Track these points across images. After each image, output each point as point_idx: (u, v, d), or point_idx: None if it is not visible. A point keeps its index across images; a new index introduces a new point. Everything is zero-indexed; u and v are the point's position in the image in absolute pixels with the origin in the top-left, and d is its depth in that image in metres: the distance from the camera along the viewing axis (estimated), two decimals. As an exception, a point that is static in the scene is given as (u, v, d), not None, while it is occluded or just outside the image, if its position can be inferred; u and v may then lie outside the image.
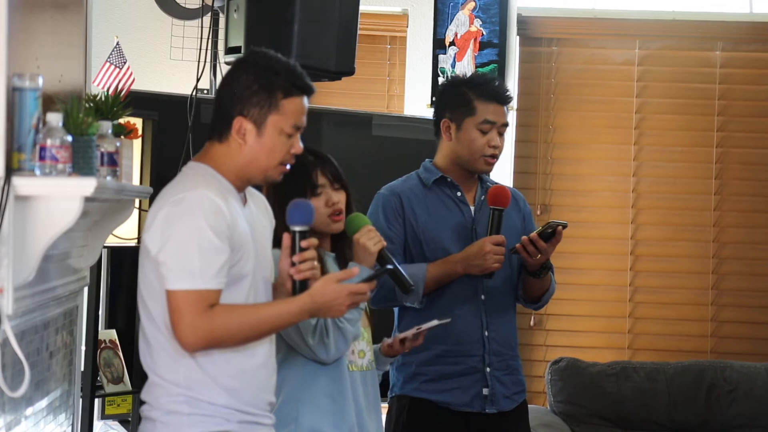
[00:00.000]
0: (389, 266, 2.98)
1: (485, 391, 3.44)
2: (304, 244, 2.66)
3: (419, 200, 3.50)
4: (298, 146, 2.65)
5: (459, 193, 3.52)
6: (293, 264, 2.66)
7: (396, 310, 3.57)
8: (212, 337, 2.51)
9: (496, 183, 3.57)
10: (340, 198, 3.03)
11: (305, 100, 2.65)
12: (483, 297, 3.47)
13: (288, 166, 2.67)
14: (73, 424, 3.41)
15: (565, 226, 3.40)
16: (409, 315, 3.49)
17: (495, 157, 3.49)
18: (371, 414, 3.09)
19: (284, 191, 2.91)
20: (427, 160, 3.59)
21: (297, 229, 2.67)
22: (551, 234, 3.38)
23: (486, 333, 3.46)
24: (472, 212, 3.52)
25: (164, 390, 2.56)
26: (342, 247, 3.08)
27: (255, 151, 2.60)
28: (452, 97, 3.52)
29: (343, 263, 3.05)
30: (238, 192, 2.65)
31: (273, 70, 2.62)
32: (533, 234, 3.38)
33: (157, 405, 2.57)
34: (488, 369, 3.45)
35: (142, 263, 2.60)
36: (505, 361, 3.50)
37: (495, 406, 3.45)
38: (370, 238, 3.00)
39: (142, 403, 2.64)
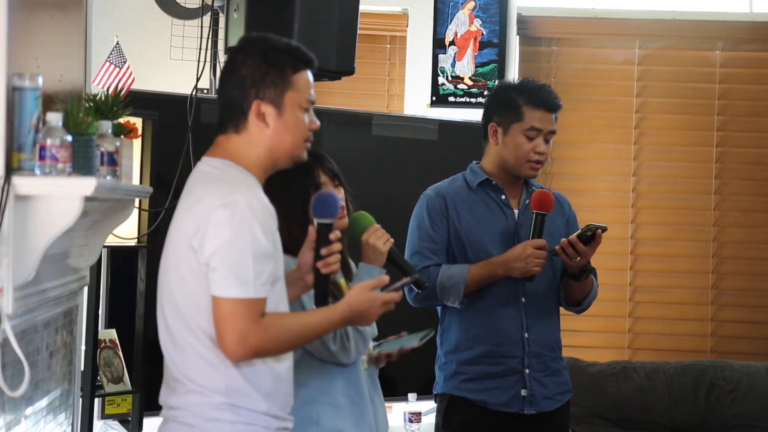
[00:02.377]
0: (416, 275, 2.98)
1: (523, 392, 3.47)
2: (332, 236, 2.64)
3: (464, 202, 3.53)
4: (315, 121, 2.61)
5: (503, 197, 3.55)
6: (319, 257, 2.63)
7: (439, 309, 3.60)
8: (262, 347, 2.44)
9: (543, 187, 3.60)
10: (341, 195, 3.03)
11: (310, 73, 2.60)
12: (524, 300, 3.50)
13: (309, 144, 2.62)
14: (73, 424, 3.41)
15: (604, 230, 3.43)
16: (450, 315, 3.54)
17: (540, 162, 3.52)
18: (383, 410, 3.11)
19: (288, 192, 2.89)
20: (474, 162, 3.62)
21: (323, 221, 2.65)
22: (591, 237, 3.41)
23: (526, 335, 3.49)
24: (516, 216, 3.55)
25: (204, 397, 2.48)
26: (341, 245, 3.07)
27: (279, 132, 2.54)
28: (501, 101, 3.55)
29: (342, 261, 3.05)
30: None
31: (276, 48, 2.57)
32: (572, 237, 3.42)
33: (197, 411, 2.48)
34: (527, 370, 3.48)
35: (179, 269, 2.47)
36: (546, 363, 3.53)
37: (534, 407, 3.48)
38: (378, 238, 2.98)
39: (170, 408, 2.54)
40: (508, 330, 3.48)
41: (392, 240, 3.01)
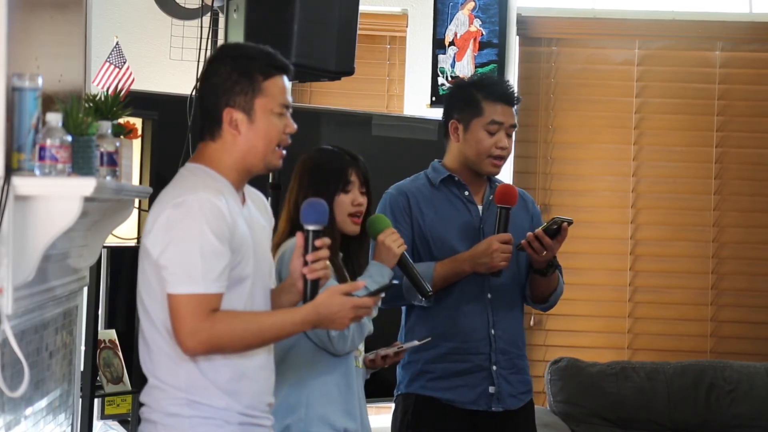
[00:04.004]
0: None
1: (491, 389, 3.45)
2: (318, 243, 2.65)
3: (427, 199, 3.51)
4: (292, 125, 2.64)
5: (467, 193, 3.53)
6: (306, 263, 2.65)
7: (403, 308, 3.58)
8: (213, 342, 2.49)
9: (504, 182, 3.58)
10: (363, 200, 3.09)
11: (285, 79, 2.64)
12: (489, 296, 3.48)
13: (284, 151, 2.65)
14: (72, 424, 3.41)
15: (570, 223, 3.40)
16: (415, 314, 3.52)
17: (502, 158, 3.50)
18: (365, 411, 3.13)
19: (317, 184, 3.01)
20: (435, 160, 3.61)
21: (311, 228, 2.66)
22: (557, 231, 3.38)
23: (492, 331, 3.47)
24: (480, 212, 3.53)
25: (165, 393, 2.55)
26: (351, 248, 3.11)
27: (251, 139, 2.59)
28: (460, 98, 3.54)
29: (349, 265, 3.08)
30: (237, 190, 2.63)
31: (247, 56, 2.62)
32: (538, 230, 3.39)
33: (158, 407, 2.56)
34: (494, 367, 3.46)
35: (143, 266, 2.58)
36: (512, 360, 3.51)
37: (501, 405, 3.46)
38: (393, 240, 3.08)
39: (141, 405, 2.63)
40: (475, 326, 3.46)
41: (405, 246, 3.10)
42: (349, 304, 2.61)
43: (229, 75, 2.59)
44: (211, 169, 2.60)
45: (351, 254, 3.13)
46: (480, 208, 3.54)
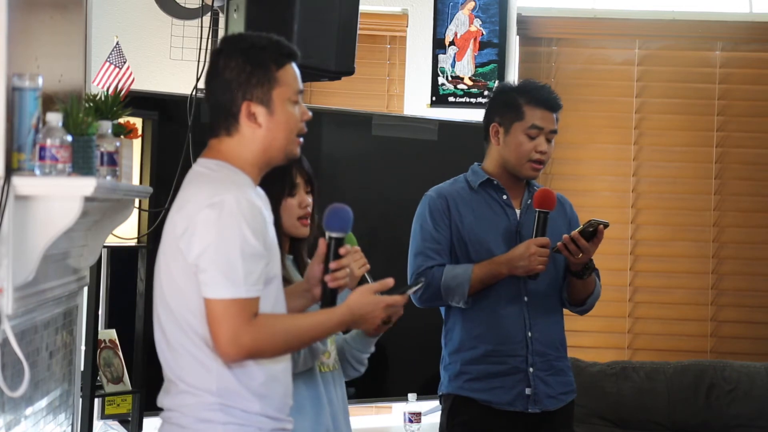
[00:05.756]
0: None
1: (527, 390, 3.49)
2: (342, 251, 2.63)
3: (465, 202, 3.55)
4: (307, 112, 2.59)
5: (505, 197, 3.57)
6: (327, 271, 2.62)
7: (442, 309, 3.62)
8: (256, 348, 2.42)
9: (543, 187, 3.61)
10: (309, 201, 2.99)
11: (294, 65, 2.58)
12: (526, 299, 3.52)
13: (302, 139, 2.59)
14: (72, 424, 3.41)
15: (606, 225, 3.45)
16: (453, 314, 3.56)
17: (542, 162, 3.54)
18: (344, 414, 3.07)
19: (264, 190, 2.84)
20: (475, 163, 3.65)
21: (335, 235, 2.63)
22: (593, 233, 3.42)
23: (529, 334, 3.51)
24: (518, 216, 3.57)
25: (195, 397, 2.47)
26: (299, 250, 3.03)
27: (272, 130, 2.52)
28: (502, 102, 3.58)
29: (301, 266, 3.00)
30: (255, 186, 2.57)
31: (257, 46, 2.54)
32: (574, 232, 3.44)
33: (189, 412, 2.47)
34: (531, 369, 3.49)
35: (169, 267, 2.46)
36: (550, 362, 3.54)
37: (538, 406, 3.49)
38: (355, 260, 2.90)
39: (156, 409, 2.56)
40: (512, 329, 3.50)
41: (368, 267, 2.92)
42: (382, 304, 2.59)
43: (242, 68, 2.51)
44: (231, 165, 2.53)
45: (300, 256, 3.02)
46: (518, 212, 3.58)
